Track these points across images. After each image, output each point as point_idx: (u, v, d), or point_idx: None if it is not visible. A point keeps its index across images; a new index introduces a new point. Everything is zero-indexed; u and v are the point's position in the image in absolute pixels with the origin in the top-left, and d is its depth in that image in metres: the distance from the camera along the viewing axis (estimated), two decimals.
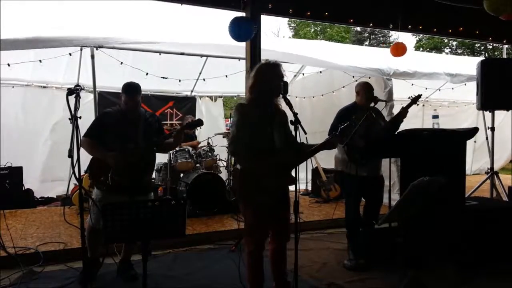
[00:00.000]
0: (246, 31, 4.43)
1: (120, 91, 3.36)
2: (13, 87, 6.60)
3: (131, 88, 3.31)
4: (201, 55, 6.48)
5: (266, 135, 2.71)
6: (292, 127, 2.65)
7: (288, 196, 2.88)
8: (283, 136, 2.80)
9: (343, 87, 6.85)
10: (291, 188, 2.79)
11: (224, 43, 5.46)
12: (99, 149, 3.24)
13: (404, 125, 3.97)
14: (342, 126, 2.77)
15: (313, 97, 7.61)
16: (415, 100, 3.90)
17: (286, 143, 2.80)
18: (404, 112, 3.87)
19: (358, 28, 24.67)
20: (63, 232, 4.57)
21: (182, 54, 6.09)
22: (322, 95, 7.40)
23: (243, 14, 4.60)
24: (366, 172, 3.80)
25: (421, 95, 4.04)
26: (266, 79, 2.71)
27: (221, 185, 5.56)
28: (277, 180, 2.70)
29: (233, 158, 5.12)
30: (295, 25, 29.09)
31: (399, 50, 5.82)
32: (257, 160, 2.68)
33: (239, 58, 5.98)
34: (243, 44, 4.76)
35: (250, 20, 4.52)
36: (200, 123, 3.40)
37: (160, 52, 5.95)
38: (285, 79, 2.73)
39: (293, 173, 2.70)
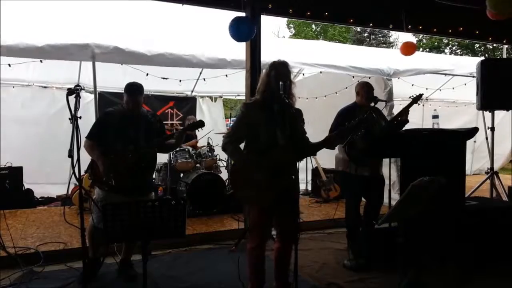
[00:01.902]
0: (246, 31, 4.41)
1: (120, 91, 3.36)
2: (13, 87, 6.61)
3: (134, 88, 3.32)
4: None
5: (267, 133, 2.70)
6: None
7: (294, 197, 2.76)
8: (287, 135, 2.73)
9: (346, 88, 6.83)
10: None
11: (224, 56, 5.44)
12: (96, 151, 3.25)
13: (404, 125, 3.97)
14: (350, 124, 2.75)
15: (316, 98, 7.60)
16: (416, 99, 3.90)
17: (291, 142, 2.74)
18: (405, 111, 3.86)
19: (358, 28, 24.65)
20: (63, 232, 4.58)
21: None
22: (325, 96, 7.40)
23: (243, 14, 4.60)
24: (367, 172, 3.80)
25: (422, 94, 4.03)
26: (270, 78, 2.72)
27: (221, 185, 5.56)
28: (273, 178, 2.67)
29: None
30: (294, 25, 29.05)
31: (408, 49, 5.81)
32: (249, 157, 2.72)
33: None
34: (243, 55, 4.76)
35: (250, 20, 4.51)
36: (201, 124, 3.40)
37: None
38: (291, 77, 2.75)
39: (293, 175, 2.70)
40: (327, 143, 2.77)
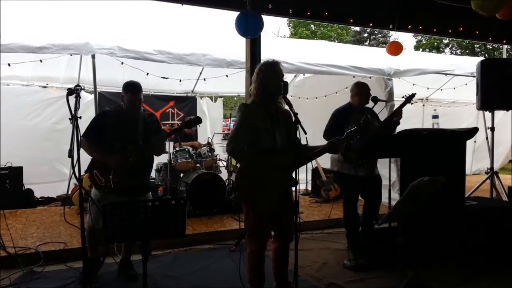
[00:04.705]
0: (253, 26, 4.33)
1: (121, 90, 3.36)
2: (13, 86, 6.60)
3: (135, 86, 3.32)
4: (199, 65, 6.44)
5: (268, 135, 2.72)
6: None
7: (291, 197, 2.86)
8: (285, 136, 2.80)
9: (346, 88, 6.82)
10: (293, 188, 2.80)
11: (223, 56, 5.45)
12: (99, 151, 3.24)
13: (404, 125, 3.96)
14: (349, 131, 2.75)
15: (316, 98, 7.59)
16: (409, 99, 3.88)
17: (288, 143, 2.80)
18: (398, 111, 3.84)
19: (358, 28, 24.68)
20: (63, 232, 4.57)
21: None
22: (325, 96, 7.40)
23: None
24: (363, 172, 3.80)
25: (415, 94, 4.01)
26: (266, 79, 2.72)
27: (221, 185, 5.56)
28: (276, 180, 2.69)
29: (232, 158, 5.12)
30: (293, 25, 29.03)
31: (393, 48, 5.82)
32: (254, 160, 2.68)
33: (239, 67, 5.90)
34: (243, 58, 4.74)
35: (257, 15, 4.41)
36: (198, 120, 3.40)
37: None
38: (285, 79, 2.74)
39: (293, 174, 2.71)
40: (329, 149, 2.77)
